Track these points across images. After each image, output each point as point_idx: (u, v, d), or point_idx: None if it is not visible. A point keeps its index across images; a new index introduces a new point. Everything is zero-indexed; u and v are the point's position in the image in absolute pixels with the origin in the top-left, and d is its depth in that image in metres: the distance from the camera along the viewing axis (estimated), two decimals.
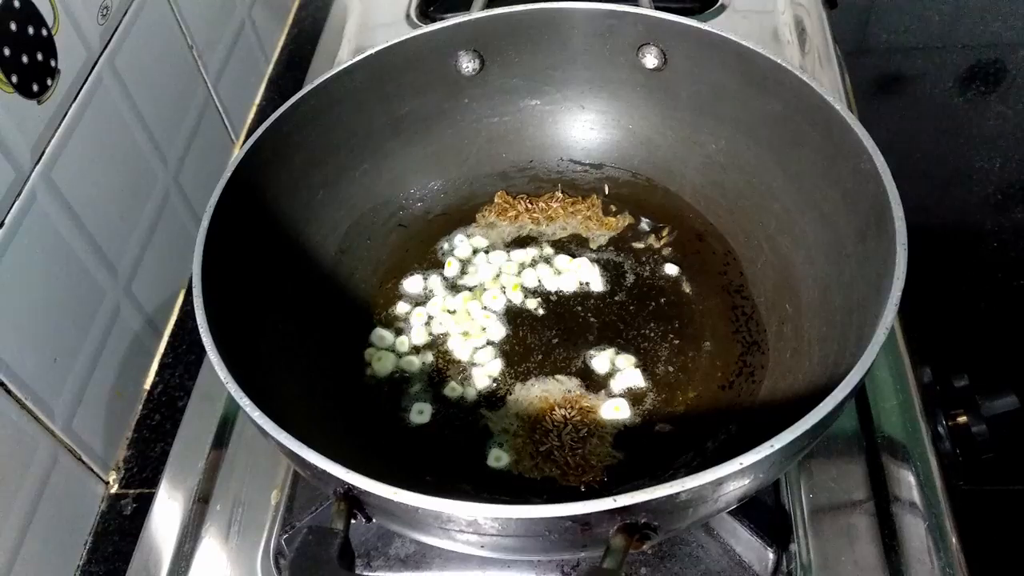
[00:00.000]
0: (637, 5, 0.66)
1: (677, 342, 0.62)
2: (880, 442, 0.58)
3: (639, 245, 0.69)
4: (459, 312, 0.65)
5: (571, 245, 0.70)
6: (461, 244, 0.70)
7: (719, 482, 0.39)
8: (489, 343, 0.64)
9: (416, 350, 0.64)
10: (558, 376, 0.61)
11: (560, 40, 0.67)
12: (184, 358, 0.76)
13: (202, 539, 0.58)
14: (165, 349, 0.77)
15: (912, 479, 0.57)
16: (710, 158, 0.68)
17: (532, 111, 0.72)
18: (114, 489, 0.68)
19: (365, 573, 0.55)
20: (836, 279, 0.56)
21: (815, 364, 0.55)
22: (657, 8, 0.66)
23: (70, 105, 0.63)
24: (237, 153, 0.57)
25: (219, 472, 0.61)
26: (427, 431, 0.59)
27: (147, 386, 0.74)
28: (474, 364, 0.63)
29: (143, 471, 0.69)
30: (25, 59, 0.58)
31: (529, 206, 0.72)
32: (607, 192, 0.72)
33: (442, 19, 0.69)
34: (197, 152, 0.83)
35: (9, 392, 0.57)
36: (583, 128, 0.72)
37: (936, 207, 0.94)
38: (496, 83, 0.70)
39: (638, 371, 0.61)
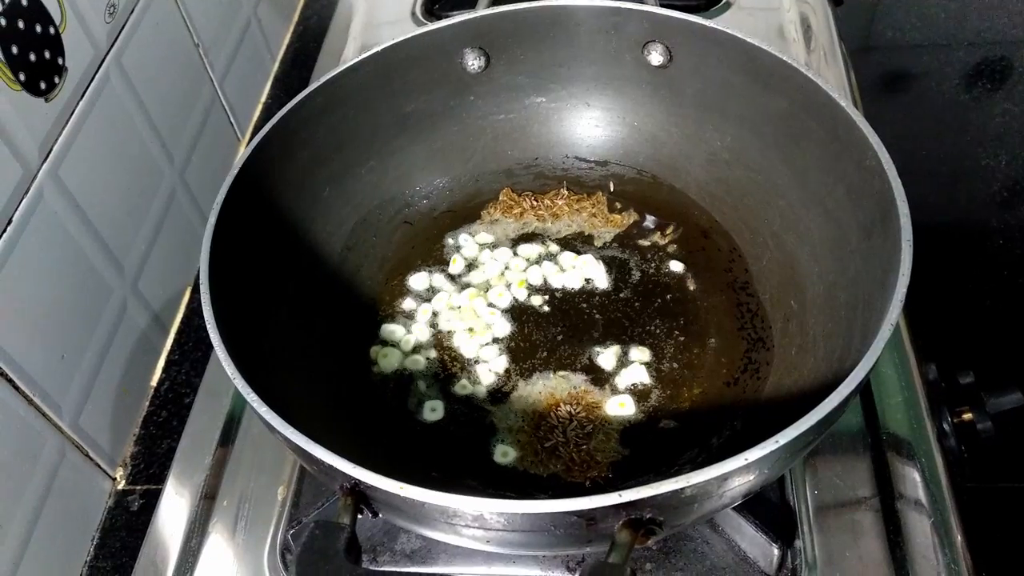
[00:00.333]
0: (642, 2, 0.66)
1: (682, 339, 0.63)
2: (885, 439, 0.58)
3: (644, 242, 0.69)
4: (464, 309, 0.66)
5: (576, 242, 0.70)
6: (467, 241, 0.70)
7: (724, 478, 0.39)
8: (494, 340, 0.64)
9: (421, 347, 0.64)
10: (563, 372, 0.61)
11: (565, 37, 0.68)
12: (191, 355, 0.77)
13: (209, 535, 0.58)
14: (172, 346, 0.77)
15: (917, 476, 0.57)
16: (715, 155, 0.68)
17: (537, 108, 0.72)
18: (121, 485, 0.68)
19: (372, 567, 0.55)
20: (841, 276, 0.56)
21: (820, 361, 0.55)
22: (662, 5, 0.66)
23: (77, 103, 0.64)
24: (244, 150, 0.58)
25: (226, 468, 0.61)
26: (433, 427, 0.60)
27: (154, 383, 0.75)
28: (479, 361, 0.63)
29: (150, 467, 0.69)
30: (33, 57, 0.58)
31: (534, 203, 0.72)
32: (612, 189, 0.73)
33: (447, 17, 0.69)
34: (203, 150, 0.83)
35: (17, 388, 0.57)
36: (588, 125, 0.72)
37: (942, 204, 0.93)
38: (502, 80, 0.70)
39: (643, 368, 0.61)
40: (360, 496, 0.42)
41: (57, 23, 0.61)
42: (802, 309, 0.59)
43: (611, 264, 0.68)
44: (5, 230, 0.56)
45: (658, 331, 0.63)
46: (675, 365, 0.61)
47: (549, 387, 0.60)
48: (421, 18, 0.93)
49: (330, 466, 0.40)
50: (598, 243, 0.70)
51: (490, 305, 0.66)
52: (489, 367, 0.62)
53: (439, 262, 0.70)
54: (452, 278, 0.68)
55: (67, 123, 0.62)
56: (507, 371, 0.62)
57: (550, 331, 0.64)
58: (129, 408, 0.71)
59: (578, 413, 0.59)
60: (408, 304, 0.67)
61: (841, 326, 0.54)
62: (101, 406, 0.67)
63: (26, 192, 0.58)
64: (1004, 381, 0.63)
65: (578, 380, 0.61)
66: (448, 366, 0.63)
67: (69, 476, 0.62)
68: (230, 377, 0.44)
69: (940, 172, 0.97)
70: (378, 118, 0.68)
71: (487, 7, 0.68)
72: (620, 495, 0.38)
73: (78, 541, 0.64)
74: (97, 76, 0.66)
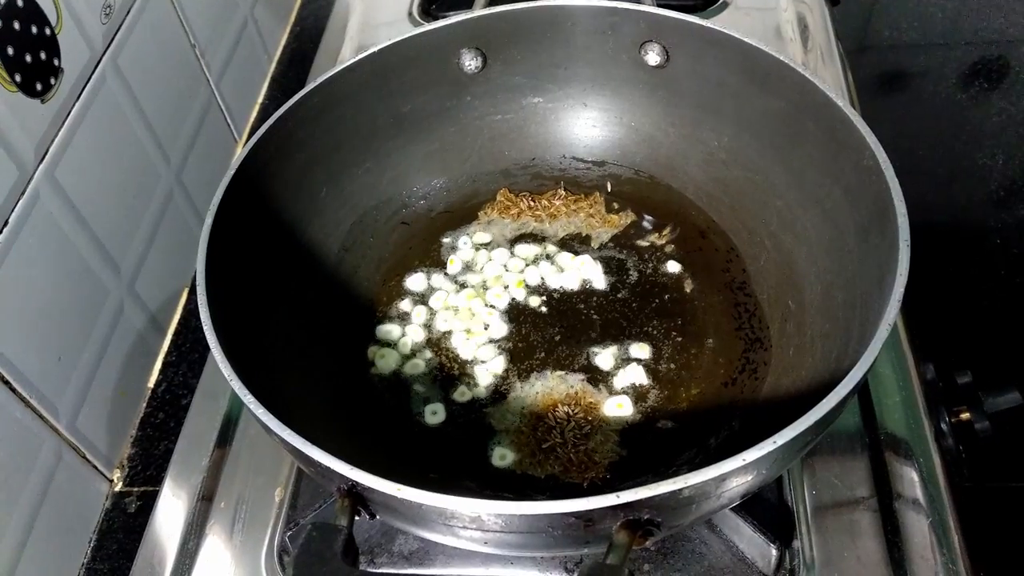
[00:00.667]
0: (639, 2, 0.66)
1: (680, 339, 0.63)
2: (883, 439, 0.58)
3: (641, 242, 0.69)
4: (462, 310, 0.66)
5: (574, 243, 0.70)
6: (464, 242, 0.70)
7: (722, 478, 0.39)
8: (492, 341, 0.64)
9: (419, 348, 0.64)
10: (561, 373, 0.61)
11: (562, 37, 0.67)
12: (188, 356, 0.76)
13: (206, 536, 0.58)
14: (169, 347, 0.77)
15: (915, 476, 0.57)
16: (712, 155, 0.68)
17: (535, 109, 0.72)
18: (118, 487, 0.68)
19: (369, 569, 0.55)
20: (839, 276, 0.56)
21: (818, 361, 0.55)
22: (659, 5, 0.66)
23: (73, 104, 0.63)
24: (240, 151, 0.57)
25: (223, 470, 0.61)
26: (431, 429, 0.59)
27: (151, 384, 0.75)
28: (477, 362, 0.63)
29: (147, 469, 0.69)
30: (28, 58, 0.58)
31: (532, 204, 0.72)
32: (609, 189, 0.72)
33: (444, 17, 0.69)
34: (200, 151, 0.83)
35: (13, 390, 0.57)
36: (585, 125, 0.72)
37: (939, 204, 0.93)
38: (498, 81, 0.70)
39: (641, 368, 0.61)
40: (357, 498, 0.42)
41: (53, 24, 0.61)
42: (800, 309, 0.59)
43: (609, 264, 0.68)
44: (1, 232, 0.56)
45: (656, 331, 0.63)
46: (673, 365, 0.61)
47: (547, 388, 0.60)
48: (418, 18, 0.93)
49: (327, 468, 0.40)
50: (595, 243, 0.70)
51: (488, 306, 0.66)
52: (487, 368, 0.62)
53: (436, 263, 0.69)
54: (449, 278, 0.68)
55: (63, 124, 0.62)
56: (505, 372, 0.62)
57: (548, 332, 0.64)
58: (126, 410, 0.71)
59: (576, 414, 0.59)
60: (405, 305, 0.67)
61: (839, 326, 0.54)
62: (98, 408, 0.66)
63: (22, 193, 0.58)
64: (1002, 381, 0.63)
65: (576, 381, 0.61)
66: (446, 367, 0.63)
67: (66, 478, 0.62)
68: (227, 379, 0.44)
69: (937, 172, 0.97)
70: (375, 119, 0.68)
71: (483, 7, 0.68)
72: (618, 496, 0.38)
73: (75, 543, 0.64)
74: (93, 77, 0.66)
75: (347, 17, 0.97)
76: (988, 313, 0.83)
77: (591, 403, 0.59)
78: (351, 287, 0.67)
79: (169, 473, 0.62)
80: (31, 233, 0.59)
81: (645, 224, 0.70)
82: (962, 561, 0.53)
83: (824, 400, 0.41)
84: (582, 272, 0.67)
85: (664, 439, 0.58)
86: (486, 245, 0.70)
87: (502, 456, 0.57)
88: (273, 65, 1.03)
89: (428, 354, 0.64)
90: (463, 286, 0.67)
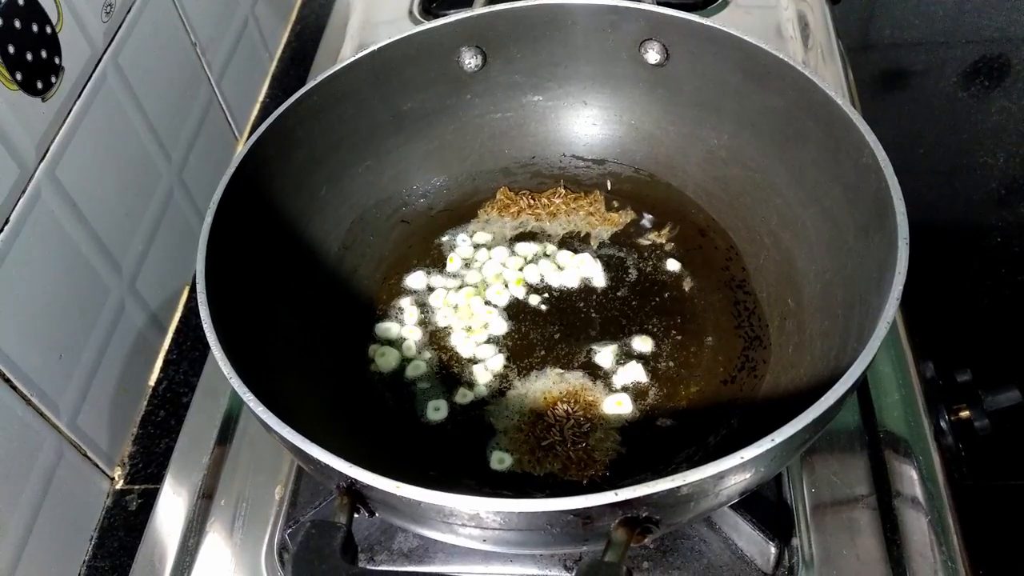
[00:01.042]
0: (639, 0, 0.66)
1: (679, 337, 0.63)
2: (882, 437, 0.59)
3: (641, 240, 0.69)
4: (461, 308, 0.66)
5: (573, 241, 0.70)
6: (463, 240, 0.70)
7: (720, 476, 0.39)
8: (491, 339, 0.64)
9: (419, 346, 0.64)
10: (560, 371, 0.61)
11: (562, 36, 0.68)
12: (188, 355, 0.77)
13: (206, 534, 0.58)
14: (169, 346, 0.77)
15: (914, 474, 0.57)
16: (712, 153, 0.68)
17: (534, 107, 0.72)
18: (119, 485, 0.68)
19: (368, 567, 0.55)
20: (838, 274, 0.56)
21: (817, 359, 0.55)
22: (659, 3, 0.66)
23: (74, 102, 0.64)
24: (240, 150, 0.58)
25: (223, 468, 0.61)
26: (430, 426, 0.60)
27: (152, 382, 0.75)
28: (476, 360, 0.63)
29: (148, 467, 0.69)
30: (29, 56, 0.58)
31: (531, 202, 0.72)
32: (609, 188, 0.73)
33: (445, 15, 0.69)
34: (201, 149, 0.83)
35: (14, 388, 0.57)
36: (585, 124, 0.72)
37: (939, 202, 0.93)
38: (498, 79, 0.70)
39: (640, 366, 0.61)
40: (356, 495, 0.42)
41: (54, 22, 0.61)
42: (799, 307, 0.59)
43: (608, 263, 0.68)
44: (2, 230, 0.56)
45: (655, 329, 0.63)
46: (672, 363, 0.61)
47: (546, 386, 0.60)
48: (419, 16, 0.93)
49: (326, 465, 0.40)
50: (595, 242, 0.70)
51: (487, 304, 0.66)
52: (486, 366, 0.62)
53: (436, 261, 0.70)
54: (449, 277, 0.68)
55: (64, 122, 0.62)
56: (504, 370, 0.62)
57: (547, 330, 0.64)
58: (127, 408, 0.71)
59: (575, 412, 0.59)
60: (405, 303, 0.67)
61: (838, 324, 0.54)
62: (99, 406, 0.67)
63: (23, 192, 0.58)
64: (1002, 379, 0.63)
65: (575, 378, 0.61)
66: (446, 365, 0.63)
67: (67, 476, 0.62)
68: (226, 376, 0.44)
69: (938, 170, 0.97)
70: (375, 117, 0.68)
71: (484, 6, 0.68)
72: (616, 494, 0.38)
73: (76, 541, 0.64)
74: (94, 75, 0.66)
75: (348, 15, 0.97)
76: (988, 311, 0.83)
77: (590, 401, 0.59)
78: (351, 285, 0.67)
79: (170, 471, 0.62)
80: (32, 231, 0.59)
81: (645, 222, 0.70)
82: (961, 559, 0.53)
83: (822, 398, 0.41)
84: (582, 270, 0.67)
85: (663, 437, 0.58)
86: (486, 243, 0.70)
87: (500, 460, 0.57)
88: (274, 63, 1.03)
89: (428, 354, 0.64)
90: (463, 284, 0.67)
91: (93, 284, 0.66)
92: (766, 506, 0.55)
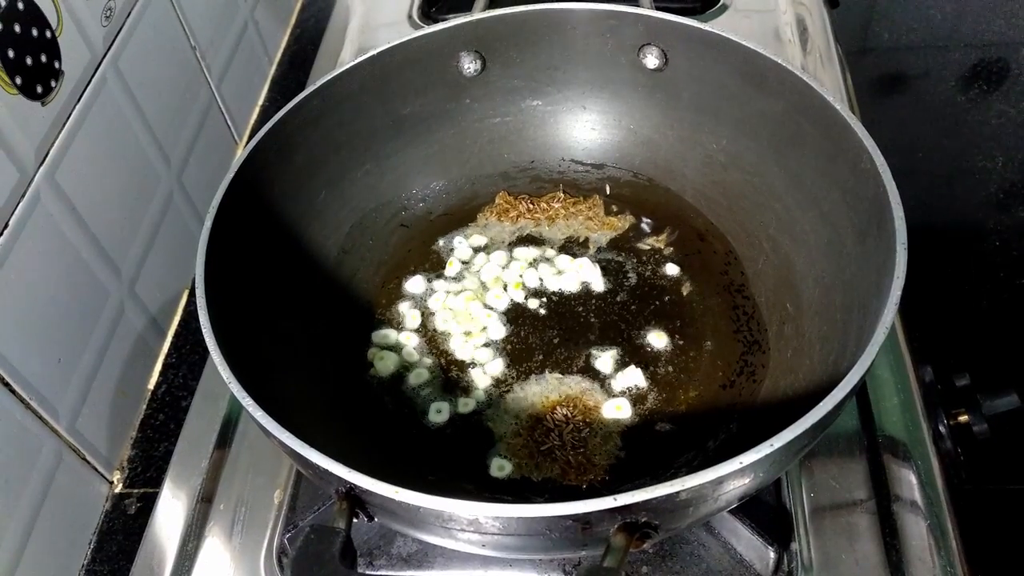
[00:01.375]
0: (638, 5, 0.66)
1: (679, 342, 0.63)
2: (881, 441, 0.59)
3: (640, 245, 0.69)
4: (460, 312, 0.66)
5: (572, 245, 0.70)
6: (462, 244, 0.70)
7: (719, 481, 0.39)
8: (491, 343, 0.64)
9: (418, 351, 0.64)
10: (559, 375, 0.61)
11: (561, 40, 0.68)
12: (188, 358, 0.77)
13: (205, 538, 0.58)
14: (169, 349, 0.77)
15: (913, 478, 0.57)
16: (711, 158, 0.68)
17: (534, 111, 0.72)
18: (118, 489, 0.68)
19: (368, 572, 0.55)
20: (837, 278, 0.56)
21: (816, 363, 0.55)
22: (658, 8, 0.66)
23: (74, 106, 0.64)
24: (240, 154, 0.58)
25: (222, 472, 0.61)
26: (429, 431, 0.60)
27: (151, 386, 0.75)
28: (476, 364, 0.63)
29: (147, 471, 0.69)
30: (29, 61, 0.58)
31: (531, 206, 0.72)
32: (608, 192, 0.73)
33: (444, 19, 0.69)
34: (200, 153, 0.83)
35: (14, 392, 0.57)
36: (584, 128, 0.73)
37: (938, 206, 0.94)
38: (498, 83, 0.70)
39: (639, 371, 0.61)
40: (355, 500, 0.42)
41: (53, 27, 0.61)
42: (798, 312, 0.59)
43: (607, 267, 0.68)
44: (1, 234, 0.56)
45: (654, 334, 0.63)
46: (671, 368, 0.61)
47: (545, 390, 0.61)
48: (418, 20, 0.93)
49: (325, 470, 0.40)
50: (594, 246, 0.70)
51: (486, 308, 0.66)
52: (485, 370, 0.62)
53: (435, 265, 0.70)
54: (448, 281, 0.68)
55: (64, 126, 0.62)
56: (503, 374, 0.62)
57: (546, 334, 0.64)
58: (126, 411, 0.71)
59: (575, 416, 0.59)
60: (404, 307, 0.67)
61: (837, 329, 0.54)
62: (98, 409, 0.67)
63: (23, 196, 0.58)
64: (1000, 383, 0.63)
65: (574, 383, 0.61)
66: (445, 369, 0.63)
67: (66, 480, 0.62)
68: (225, 381, 0.44)
69: (937, 173, 0.97)
70: (374, 121, 0.68)
71: (483, 10, 0.68)
72: (615, 499, 0.38)
73: (75, 545, 0.64)
74: (94, 79, 0.66)
75: (347, 19, 0.97)
76: (987, 315, 0.83)
77: (590, 405, 0.59)
78: (350, 289, 0.67)
79: (169, 474, 0.62)
80: (32, 235, 0.59)
81: (644, 227, 0.70)
82: (960, 563, 0.53)
83: (821, 403, 0.41)
84: (581, 275, 0.67)
85: (662, 441, 0.58)
86: (485, 247, 0.70)
87: (500, 467, 0.57)
88: (274, 67, 1.03)
89: (428, 359, 0.64)
90: (462, 289, 0.68)
91: (92, 288, 0.66)
92: (765, 511, 0.55)
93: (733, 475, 0.39)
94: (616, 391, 0.60)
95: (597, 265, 0.68)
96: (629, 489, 0.38)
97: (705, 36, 0.62)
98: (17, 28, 0.57)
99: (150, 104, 0.74)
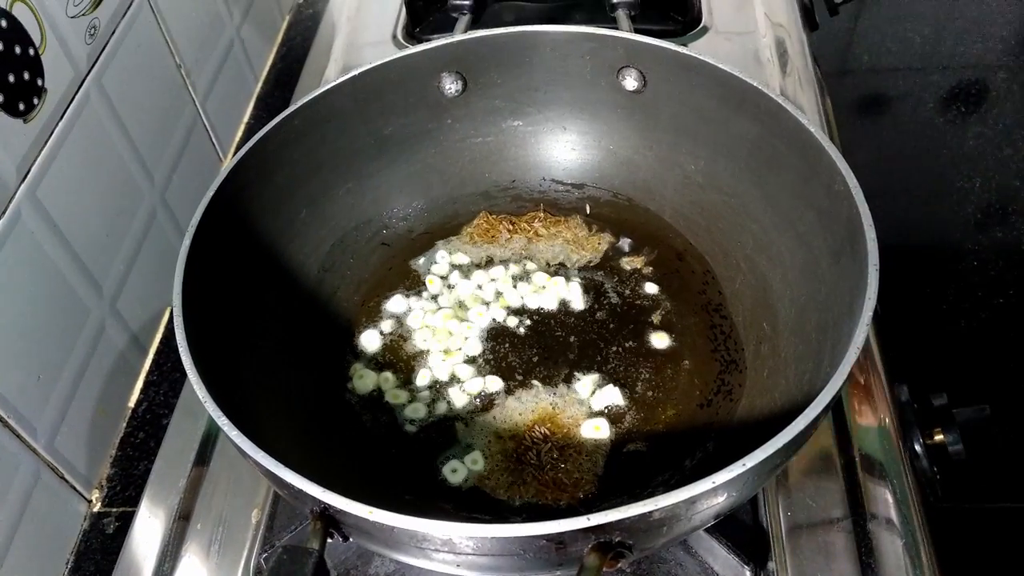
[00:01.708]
0: (617, 28, 0.67)
1: (657, 361, 0.63)
2: (858, 460, 0.59)
3: (620, 264, 0.70)
4: (440, 330, 0.66)
5: (553, 264, 0.71)
6: (443, 262, 0.71)
7: (692, 500, 0.39)
8: (470, 361, 0.64)
9: (397, 368, 0.64)
10: (538, 394, 0.61)
11: (542, 62, 0.68)
12: (169, 376, 0.76)
13: (182, 557, 0.58)
14: (150, 367, 0.77)
15: (889, 497, 0.57)
16: (689, 178, 0.68)
17: (514, 132, 0.73)
18: (97, 508, 0.68)
19: None
20: (812, 298, 0.57)
21: (791, 382, 0.55)
22: (637, 31, 0.67)
23: (56, 124, 0.64)
24: (221, 172, 0.58)
25: (201, 490, 0.61)
26: (407, 449, 0.60)
27: (131, 404, 0.74)
28: (454, 382, 0.63)
29: (126, 489, 0.69)
30: (11, 78, 0.58)
31: (511, 226, 0.73)
32: (588, 212, 0.73)
33: (427, 40, 0.70)
34: (184, 170, 0.83)
35: None
36: (565, 149, 0.73)
37: (917, 226, 0.95)
38: (479, 104, 0.71)
39: (617, 390, 0.61)
40: (330, 520, 0.42)
41: (37, 44, 0.61)
42: (774, 331, 0.60)
43: (587, 286, 0.68)
44: None
45: (633, 353, 0.64)
46: (650, 387, 0.62)
47: (524, 408, 0.61)
48: (402, 41, 0.94)
49: (298, 489, 0.40)
50: (574, 265, 0.70)
51: (465, 324, 0.66)
52: (463, 388, 0.62)
53: (416, 283, 0.70)
54: (428, 299, 0.69)
55: (46, 144, 0.63)
56: (482, 392, 0.62)
57: (526, 352, 0.65)
58: (106, 429, 0.71)
59: (553, 435, 0.59)
60: (385, 326, 0.67)
61: (812, 348, 0.55)
62: (77, 427, 0.66)
63: (3, 213, 0.58)
64: (976, 402, 0.64)
65: (553, 402, 0.61)
66: (424, 387, 0.63)
67: (44, 499, 0.62)
68: (201, 399, 0.44)
69: (915, 194, 0.98)
70: (356, 140, 0.68)
71: (464, 32, 0.69)
72: (588, 519, 0.38)
73: (52, 564, 0.63)
74: (77, 97, 0.66)
75: (332, 38, 0.98)
76: (965, 335, 0.84)
77: (568, 424, 0.60)
78: (330, 307, 0.67)
79: (146, 493, 0.62)
80: (11, 252, 0.59)
81: (623, 246, 0.71)
82: None
83: (792, 423, 0.41)
84: (560, 293, 0.68)
85: (640, 461, 0.58)
86: (465, 266, 0.71)
87: (457, 472, 0.57)
88: (259, 84, 1.03)
89: (406, 375, 0.64)
90: (441, 307, 0.68)
91: (73, 305, 0.66)
92: (742, 529, 0.56)
93: (706, 494, 0.39)
94: (595, 410, 0.60)
95: (577, 284, 0.68)
96: (602, 509, 0.38)
97: (683, 59, 0.63)
98: (0, 46, 0.57)
99: (134, 121, 0.74)
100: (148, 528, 0.60)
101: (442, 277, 0.70)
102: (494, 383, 0.62)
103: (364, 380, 0.63)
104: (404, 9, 0.96)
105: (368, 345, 0.66)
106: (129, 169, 0.74)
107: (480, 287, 0.69)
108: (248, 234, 0.61)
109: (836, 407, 0.61)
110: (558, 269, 0.70)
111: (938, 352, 0.81)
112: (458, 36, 0.68)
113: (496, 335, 0.66)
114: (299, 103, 0.63)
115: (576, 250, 0.71)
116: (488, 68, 0.69)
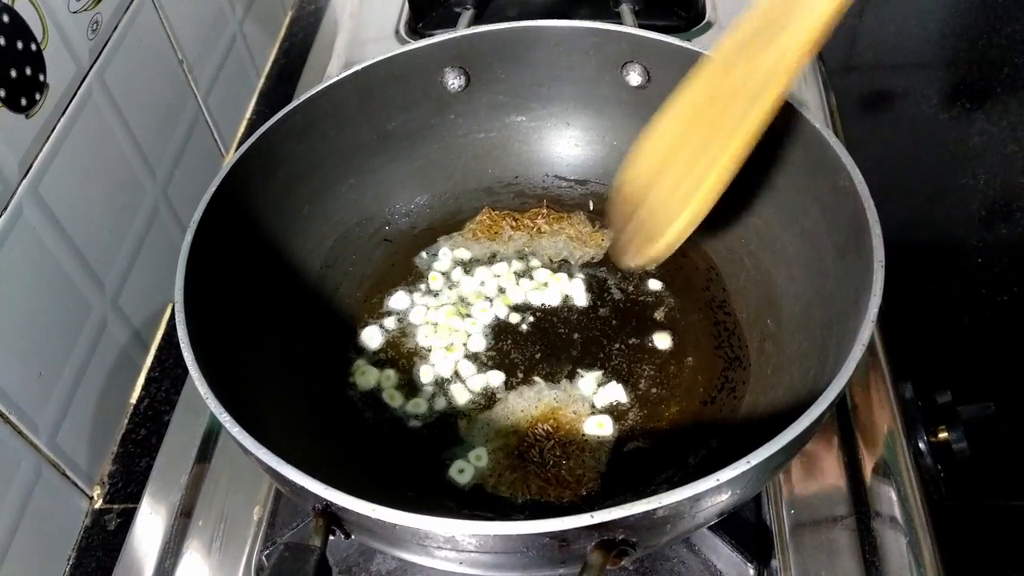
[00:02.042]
0: (621, 23, 0.67)
1: (661, 358, 0.63)
2: (861, 458, 0.59)
3: None
4: (442, 326, 0.66)
5: (555, 260, 0.70)
6: (446, 258, 0.70)
7: (696, 498, 0.39)
8: (472, 357, 0.64)
9: (400, 365, 0.64)
10: (541, 391, 0.61)
11: (545, 57, 0.68)
12: (171, 372, 0.76)
13: (184, 554, 0.58)
14: (152, 363, 0.77)
15: (893, 495, 0.57)
16: None
17: (518, 127, 0.73)
18: (98, 504, 0.68)
19: None
20: (816, 295, 0.57)
21: (796, 380, 0.55)
22: (642, 26, 0.67)
23: (59, 119, 0.64)
24: (223, 167, 0.58)
25: (202, 486, 0.61)
26: (410, 446, 0.59)
27: (133, 400, 0.74)
28: (457, 378, 0.63)
29: (128, 486, 0.68)
30: (14, 73, 0.58)
31: (514, 222, 0.72)
32: (592, 208, 0.73)
33: (430, 35, 0.69)
34: (186, 166, 0.83)
35: None
36: (568, 144, 0.73)
37: (921, 223, 0.94)
38: (482, 99, 0.71)
39: (621, 387, 0.61)
40: (332, 517, 0.42)
41: (39, 39, 0.61)
42: (778, 328, 0.60)
43: (590, 282, 0.68)
44: None
45: (636, 350, 0.63)
46: (653, 384, 0.61)
47: (527, 405, 0.61)
48: (405, 36, 0.93)
49: (300, 486, 0.40)
50: (577, 261, 0.70)
51: (469, 321, 0.66)
52: (466, 385, 0.62)
53: (418, 279, 0.70)
54: (431, 295, 0.68)
55: (48, 139, 0.62)
56: (485, 389, 0.62)
57: (529, 349, 0.64)
58: (107, 426, 0.71)
59: (556, 432, 0.59)
60: (387, 322, 0.67)
61: (816, 345, 0.54)
62: (79, 424, 0.66)
63: (4, 208, 0.58)
64: (981, 399, 0.64)
65: (556, 399, 0.61)
66: (426, 383, 0.63)
67: (45, 495, 0.62)
68: (203, 396, 0.44)
69: (920, 191, 0.98)
70: (359, 136, 0.68)
71: (468, 26, 0.69)
72: (592, 516, 0.38)
73: (54, 561, 0.63)
74: (79, 92, 0.66)
75: (335, 33, 0.98)
76: (969, 332, 0.83)
77: (571, 421, 0.59)
78: (333, 303, 0.67)
79: (148, 489, 0.62)
80: (13, 248, 0.59)
81: None
82: None
83: (797, 421, 0.41)
84: (564, 289, 0.67)
85: (643, 458, 0.58)
86: (468, 262, 0.70)
87: (481, 482, 0.57)
88: (261, 80, 1.03)
89: (409, 371, 0.64)
90: (444, 303, 0.68)
91: (75, 301, 0.66)
92: (745, 527, 0.56)
93: (710, 492, 0.39)
94: (598, 407, 0.60)
95: (580, 280, 0.68)
96: (605, 507, 0.38)
97: (687, 54, 0.62)
98: (2, 41, 0.57)
99: (136, 117, 0.74)
100: (150, 525, 0.60)
101: (444, 273, 0.70)
102: (496, 378, 0.62)
103: (366, 376, 0.63)
104: (407, 4, 0.96)
105: (370, 341, 0.65)
106: (131, 165, 0.74)
107: (483, 283, 0.68)
108: (250, 230, 0.61)
109: (840, 404, 0.61)
110: (561, 265, 0.70)
111: (942, 349, 0.81)
112: (461, 31, 0.67)
113: (499, 332, 0.66)
114: (301, 98, 0.63)
115: (579, 246, 0.71)
116: (491, 63, 0.68)
